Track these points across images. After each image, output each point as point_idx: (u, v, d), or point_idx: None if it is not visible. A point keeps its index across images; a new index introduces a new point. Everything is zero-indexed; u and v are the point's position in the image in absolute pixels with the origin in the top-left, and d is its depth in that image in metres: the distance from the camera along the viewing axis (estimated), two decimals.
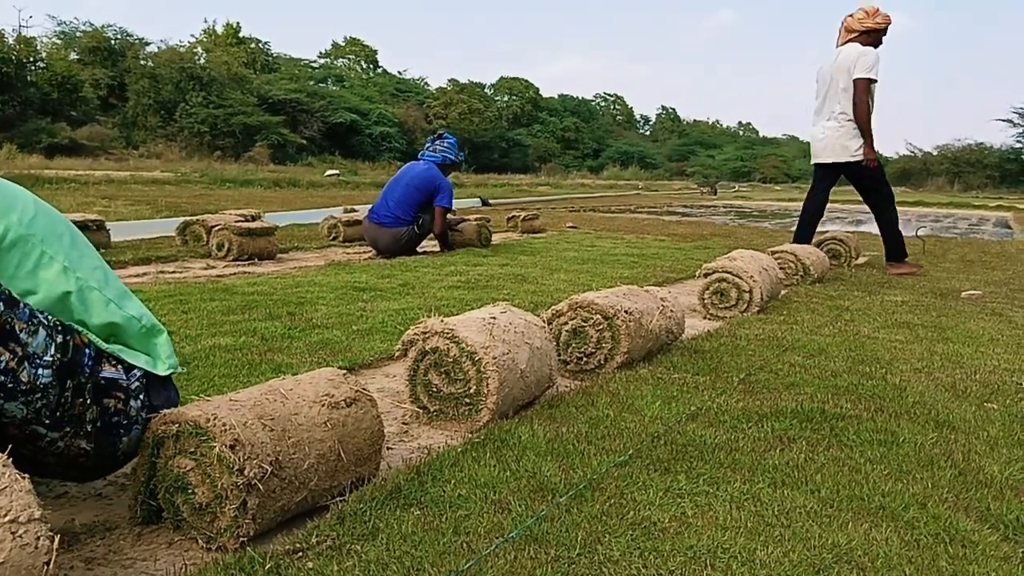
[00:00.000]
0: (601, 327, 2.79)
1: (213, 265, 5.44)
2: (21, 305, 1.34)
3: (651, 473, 1.84)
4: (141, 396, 1.53)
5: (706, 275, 4.27)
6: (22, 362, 1.31)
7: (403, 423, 2.27)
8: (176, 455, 1.53)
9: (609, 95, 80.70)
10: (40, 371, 1.34)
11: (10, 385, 1.30)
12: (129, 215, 8.51)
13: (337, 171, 26.29)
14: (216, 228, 5.76)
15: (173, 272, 4.99)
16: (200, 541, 1.52)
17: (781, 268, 5.20)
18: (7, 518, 1.13)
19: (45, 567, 1.14)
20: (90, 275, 1.50)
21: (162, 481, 1.55)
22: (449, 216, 6.81)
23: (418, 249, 6.66)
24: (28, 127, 29.74)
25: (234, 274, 4.98)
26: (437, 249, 6.80)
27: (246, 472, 1.45)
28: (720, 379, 2.73)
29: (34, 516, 1.16)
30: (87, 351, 1.45)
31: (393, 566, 1.37)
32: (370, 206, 6.80)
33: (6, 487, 1.16)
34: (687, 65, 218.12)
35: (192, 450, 1.51)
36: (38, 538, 1.14)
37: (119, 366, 1.51)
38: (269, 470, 1.49)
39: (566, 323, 2.83)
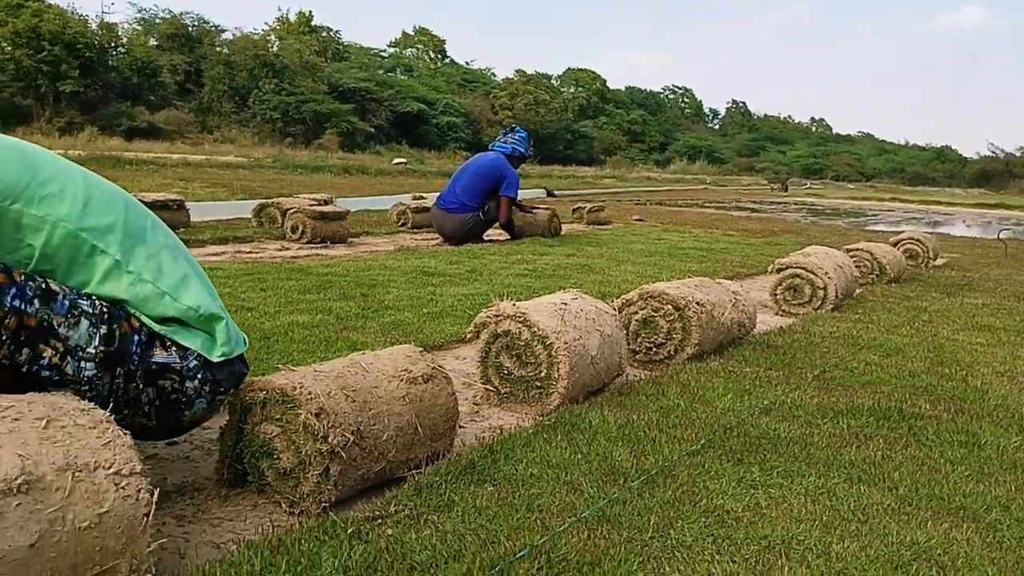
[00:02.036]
0: (672, 318, 2.77)
1: (287, 247, 5.58)
2: (59, 299, 1.34)
3: (723, 463, 1.83)
4: (198, 376, 1.52)
5: (779, 270, 4.20)
6: (65, 356, 1.34)
7: (474, 403, 2.31)
8: (262, 421, 1.59)
9: (678, 88, 79.66)
10: (84, 364, 1.36)
11: (56, 378, 1.34)
12: (206, 196, 8.78)
13: (404, 160, 26.58)
14: (291, 211, 5.90)
15: (249, 252, 5.14)
16: (284, 505, 1.57)
17: (856, 266, 5.08)
18: (111, 470, 1.19)
19: (145, 518, 1.20)
20: (146, 268, 1.47)
21: (248, 446, 1.61)
22: (522, 203, 6.85)
23: (484, 237, 6.71)
24: (109, 110, 30.80)
25: (307, 256, 5.10)
26: (503, 238, 6.84)
27: (330, 439, 1.50)
28: (794, 374, 2.69)
29: (135, 470, 1.22)
30: (136, 337, 1.45)
31: (469, 537, 1.40)
32: (438, 194, 6.88)
33: (110, 441, 1.23)
34: (759, 59, 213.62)
35: (278, 417, 1.57)
36: (139, 490, 1.20)
37: (173, 348, 1.50)
38: (351, 439, 1.53)
39: (636, 312, 2.83)
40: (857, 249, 5.40)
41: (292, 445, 1.55)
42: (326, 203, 6.65)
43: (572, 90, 62.22)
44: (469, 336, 2.37)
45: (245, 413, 1.61)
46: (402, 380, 1.74)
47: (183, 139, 30.58)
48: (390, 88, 43.19)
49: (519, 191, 6.82)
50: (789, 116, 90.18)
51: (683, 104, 79.17)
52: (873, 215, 17.60)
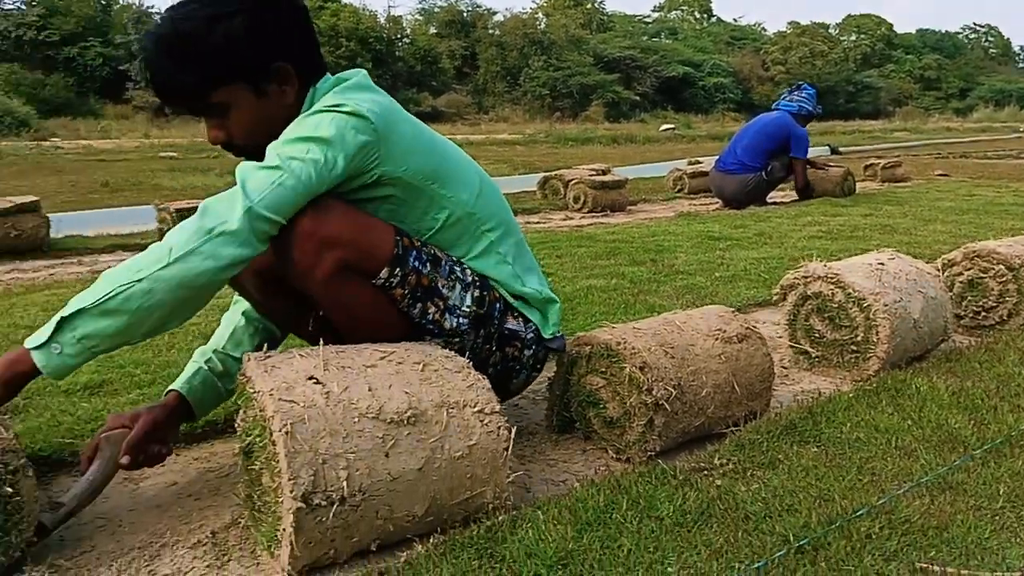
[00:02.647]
0: (1004, 279, 2.51)
1: (571, 216, 5.81)
2: (443, 264, 1.53)
3: None
4: (534, 347, 1.68)
5: None
6: (444, 313, 1.53)
7: (782, 367, 2.27)
8: (588, 373, 1.71)
9: (980, 26, 70.04)
10: (459, 320, 1.54)
11: (436, 331, 1.53)
12: (492, 173, 9.31)
13: (672, 125, 26.20)
14: (572, 182, 6.12)
15: (537, 223, 5.42)
16: (610, 451, 1.68)
17: None
18: (476, 408, 1.36)
19: (505, 452, 1.36)
20: (510, 251, 1.66)
21: (575, 396, 1.74)
22: (814, 160, 6.52)
23: (768, 200, 6.45)
24: (397, 98, 33.61)
25: (591, 224, 5.27)
26: (788, 200, 6.54)
27: (654, 392, 1.57)
28: None
29: (495, 409, 1.37)
30: (498, 305, 1.63)
31: (800, 494, 1.40)
32: (714, 158, 6.73)
33: (473, 384, 1.40)
34: None
35: (603, 370, 1.67)
36: (499, 427, 1.36)
37: (520, 319, 1.67)
38: (673, 393, 1.59)
39: (960, 274, 2.59)
40: None
41: (617, 396, 1.65)
42: (604, 173, 6.79)
43: (853, 38, 57.19)
44: (775, 298, 2.33)
45: (572, 365, 1.74)
46: (717, 339, 1.76)
47: (462, 120, 32.56)
48: (654, 54, 42.62)
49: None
50: None
51: (987, 44, 69.45)
52: None
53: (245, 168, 1.36)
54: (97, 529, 1.42)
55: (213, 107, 1.45)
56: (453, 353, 1.46)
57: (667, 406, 1.57)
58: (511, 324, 1.64)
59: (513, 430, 1.37)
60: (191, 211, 4.41)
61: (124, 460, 1.41)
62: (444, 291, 1.52)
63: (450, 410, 1.32)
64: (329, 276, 1.38)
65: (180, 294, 1.28)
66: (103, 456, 1.43)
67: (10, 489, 1.21)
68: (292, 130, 1.41)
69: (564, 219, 5.66)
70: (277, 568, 1.25)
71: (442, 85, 38.76)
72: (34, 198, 4.64)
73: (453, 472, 1.30)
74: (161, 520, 1.45)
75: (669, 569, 1.17)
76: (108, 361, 2.18)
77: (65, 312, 1.26)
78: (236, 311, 1.73)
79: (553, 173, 6.81)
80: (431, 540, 1.27)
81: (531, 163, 10.94)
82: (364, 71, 1.61)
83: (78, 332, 1.25)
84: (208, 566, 1.29)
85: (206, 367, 1.63)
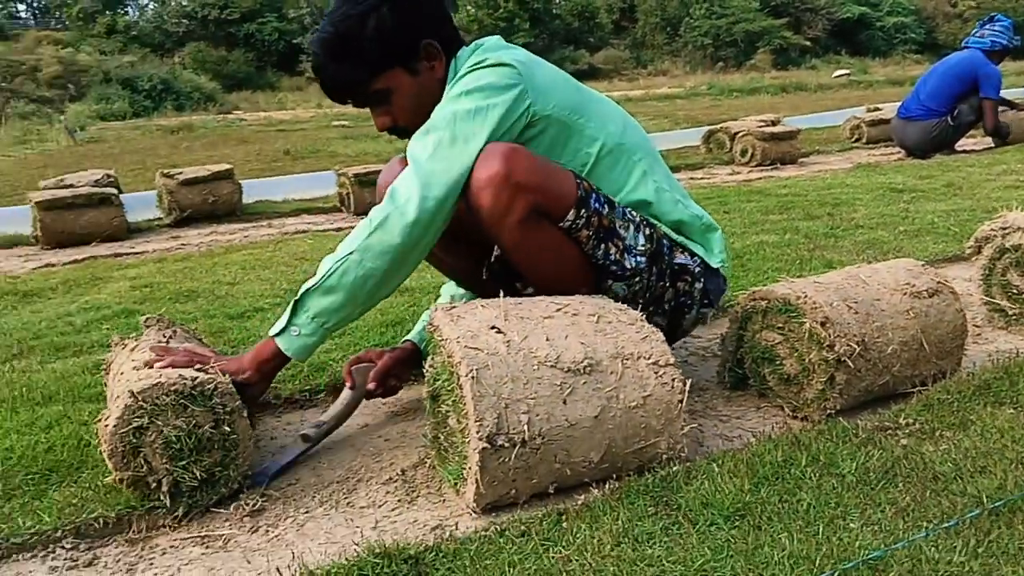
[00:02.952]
0: None
1: (737, 170, 5.62)
2: (616, 206, 1.57)
3: None
4: (703, 279, 1.69)
5: None
6: (623, 253, 1.56)
7: (975, 325, 2.12)
8: (763, 329, 1.68)
9: None
10: (638, 258, 1.57)
11: (619, 271, 1.56)
12: (652, 128, 9.17)
13: (846, 71, 24.52)
14: (739, 134, 5.90)
15: (702, 178, 5.30)
16: (786, 409, 1.65)
17: None
18: (651, 360, 1.38)
19: (679, 404, 1.37)
20: (663, 179, 1.70)
21: (749, 352, 1.71)
22: (1011, 100, 5.92)
23: (956, 148, 5.94)
24: (554, 56, 33.54)
25: (760, 178, 5.08)
26: (980, 147, 5.99)
27: (836, 348, 1.52)
28: None
29: (669, 361, 1.39)
30: (664, 241, 1.65)
31: (994, 456, 1.33)
32: (896, 104, 6.25)
33: (647, 336, 1.41)
34: None
35: (780, 325, 1.64)
36: (673, 379, 1.37)
37: (686, 253, 1.68)
38: (856, 349, 1.53)
39: None
40: None
41: (795, 353, 1.61)
42: (773, 124, 6.50)
43: None
44: (969, 252, 2.17)
45: (746, 321, 1.71)
46: (905, 294, 1.67)
47: (619, 76, 32.04)
48: None
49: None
50: None
51: None
52: None
53: (413, 139, 1.50)
54: (300, 465, 1.56)
55: (376, 94, 1.59)
56: (626, 306, 1.48)
57: (850, 363, 1.52)
58: (680, 258, 1.66)
59: (688, 382, 1.37)
60: (368, 176, 4.66)
61: (371, 386, 1.66)
62: (621, 231, 1.55)
63: (625, 361, 1.35)
64: (521, 220, 1.44)
65: (386, 260, 1.43)
66: (355, 382, 1.67)
67: (228, 428, 1.37)
68: (446, 94, 1.53)
69: (731, 173, 5.49)
70: (462, 505, 1.34)
71: (599, 41, 38.18)
72: (228, 166, 5.06)
73: (628, 421, 1.33)
74: (356, 458, 1.57)
75: (851, 525, 1.14)
76: None
77: (297, 295, 1.44)
78: (452, 284, 1.95)
79: (718, 126, 6.60)
80: (607, 486, 1.31)
81: (693, 117, 10.64)
82: (498, 36, 1.68)
83: (310, 312, 1.44)
84: (399, 500, 1.40)
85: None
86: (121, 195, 4.64)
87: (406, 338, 1.84)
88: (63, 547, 1.29)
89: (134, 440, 1.31)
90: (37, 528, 1.30)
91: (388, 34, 1.53)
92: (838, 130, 7.51)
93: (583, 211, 1.49)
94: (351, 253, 1.42)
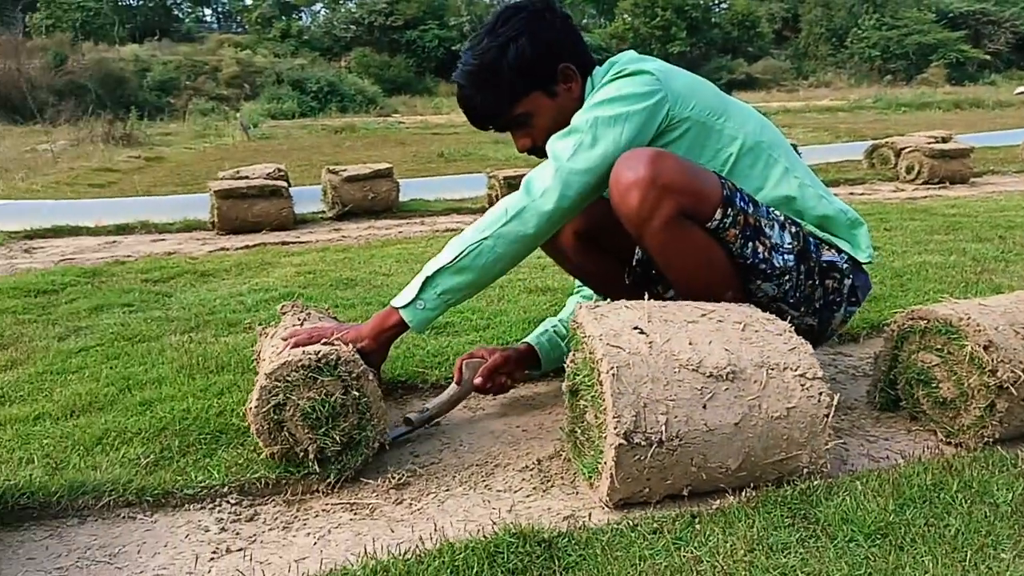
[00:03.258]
0: None
1: (901, 187, 5.33)
2: (760, 206, 1.56)
3: None
4: (851, 275, 1.65)
5: None
6: (771, 251, 1.54)
7: None
8: (921, 350, 1.60)
9: None
10: (785, 256, 1.55)
11: (768, 270, 1.54)
12: (810, 141, 8.84)
13: None
14: (906, 150, 5.60)
15: (862, 193, 5.06)
16: (939, 434, 1.57)
17: None
18: (798, 372, 1.35)
19: (825, 418, 1.34)
20: (804, 175, 1.67)
21: (904, 373, 1.65)
22: None
23: None
24: (710, 66, 32.83)
25: (926, 196, 4.80)
26: None
27: (998, 374, 1.44)
28: None
29: (817, 375, 1.36)
30: (811, 239, 1.62)
31: None
32: None
33: (795, 347, 1.39)
34: None
35: (939, 347, 1.56)
36: (820, 393, 1.34)
37: (832, 250, 1.65)
38: (1022, 376, 1.45)
39: None
40: None
41: (953, 376, 1.53)
42: (944, 140, 6.11)
43: None
44: None
45: (902, 340, 1.64)
46: None
47: (778, 87, 31.00)
48: (1013, 6, 36.88)
49: None
50: None
51: None
52: None
53: (554, 137, 1.57)
54: (443, 446, 1.65)
55: (518, 119, 1.68)
56: (774, 316, 1.46)
57: (1013, 390, 1.44)
58: (827, 255, 1.64)
59: (836, 397, 1.34)
60: (517, 179, 4.78)
61: (478, 381, 1.73)
62: (767, 230, 1.54)
63: (770, 371, 1.34)
64: (667, 223, 1.46)
65: (516, 247, 1.52)
66: (463, 376, 1.75)
67: (357, 393, 1.46)
68: (587, 103, 1.59)
69: (894, 190, 5.21)
70: (595, 498, 1.37)
71: (758, 51, 37.09)
72: (388, 165, 5.32)
73: (770, 432, 1.32)
74: (495, 445, 1.64)
75: (1003, 555, 1.09)
76: (450, 309, 2.48)
77: (427, 272, 1.53)
78: (578, 295, 2.01)
79: (883, 141, 6.27)
80: (743, 493, 1.30)
81: (856, 130, 10.14)
82: (632, 51, 1.71)
83: (438, 288, 1.53)
84: (534, 488, 1.44)
85: (552, 330, 1.90)
86: (289, 188, 4.98)
87: (523, 339, 1.90)
88: (228, 502, 1.42)
89: (275, 416, 1.42)
90: (207, 483, 1.44)
91: (527, 62, 1.61)
92: (1016, 150, 6.95)
93: (729, 210, 1.49)
94: (485, 238, 1.50)
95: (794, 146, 5.96)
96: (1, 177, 7.60)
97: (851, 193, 5.10)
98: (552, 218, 1.51)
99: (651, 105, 1.53)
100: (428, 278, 1.53)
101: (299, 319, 1.73)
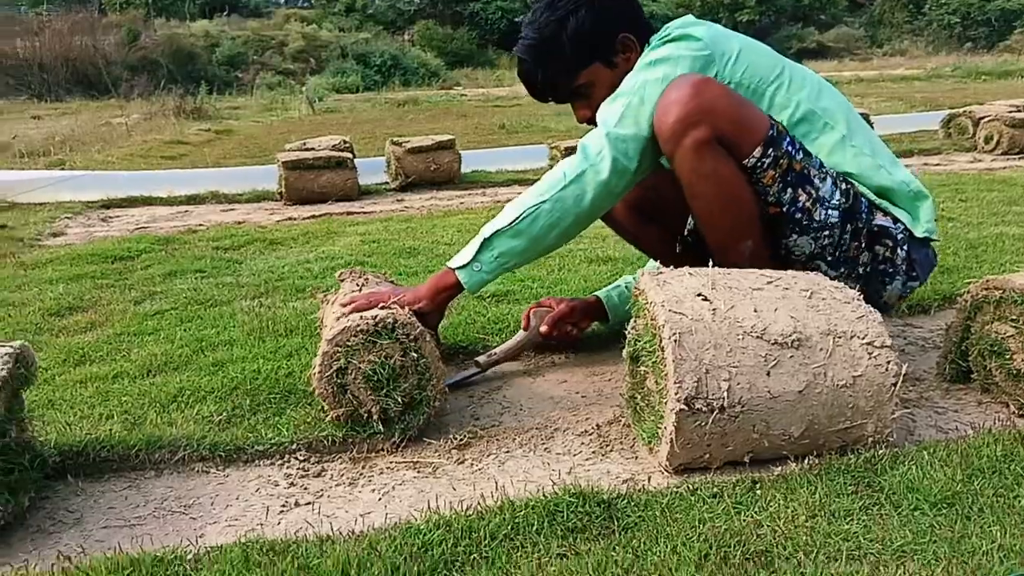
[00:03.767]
0: None
1: (979, 158, 5.12)
2: (813, 156, 1.54)
3: None
4: (905, 246, 1.60)
5: None
6: (815, 204, 1.51)
7: None
8: (995, 321, 1.56)
9: None
10: (829, 212, 1.52)
11: (805, 222, 1.52)
12: (884, 110, 8.52)
13: None
14: (985, 119, 5.37)
15: (937, 164, 4.89)
16: (1011, 406, 1.53)
17: None
18: (865, 340, 1.33)
19: (892, 387, 1.32)
20: (864, 143, 1.62)
21: (976, 344, 1.60)
22: None
23: None
24: (780, 34, 31.88)
25: (1005, 167, 4.60)
26: None
27: None
28: None
29: (886, 343, 1.33)
30: (863, 201, 1.58)
31: None
32: None
33: (863, 316, 1.36)
34: None
35: (1014, 317, 1.51)
36: (888, 362, 1.32)
37: (888, 216, 1.61)
38: None
39: None
40: None
41: None
42: None
43: None
44: None
45: (975, 311, 1.60)
46: None
47: (851, 56, 29.94)
48: None
49: None
50: None
51: None
52: None
53: (603, 105, 1.58)
54: (503, 410, 1.67)
55: (579, 89, 1.69)
56: (842, 284, 1.44)
57: None
58: (880, 220, 1.60)
59: (904, 367, 1.32)
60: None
61: (544, 329, 1.80)
62: (816, 181, 1.52)
63: (836, 339, 1.32)
64: (700, 144, 1.45)
65: (574, 212, 1.52)
66: (530, 324, 1.83)
67: (415, 354, 1.48)
68: (636, 67, 1.59)
69: (971, 161, 5.01)
70: (654, 463, 1.38)
71: (831, 18, 35.85)
72: (451, 136, 5.34)
73: (835, 400, 1.30)
74: (554, 410, 1.65)
75: None
76: (510, 277, 2.49)
77: (485, 234, 1.55)
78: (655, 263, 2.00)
79: (961, 110, 6.02)
80: (805, 461, 1.29)
81: (933, 100, 9.75)
82: (688, 15, 1.69)
83: (496, 251, 1.54)
84: (593, 452, 1.46)
85: (624, 285, 1.94)
86: (354, 160, 5.05)
87: (594, 292, 1.94)
88: (297, 458, 1.47)
89: (338, 380, 1.46)
90: (277, 440, 1.49)
91: (586, 34, 1.62)
92: None
93: (771, 150, 1.47)
94: (544, 202, 1.51)
95: (865, 116, 5.78)
96: (79, 149, 7.89)
97: (925, 164, 4.93)
98: (610, 184, 1.51)
99: (697, 67, 1.52)
100: (486, 240, 1.55)
101: (358, 285, 1.76)
